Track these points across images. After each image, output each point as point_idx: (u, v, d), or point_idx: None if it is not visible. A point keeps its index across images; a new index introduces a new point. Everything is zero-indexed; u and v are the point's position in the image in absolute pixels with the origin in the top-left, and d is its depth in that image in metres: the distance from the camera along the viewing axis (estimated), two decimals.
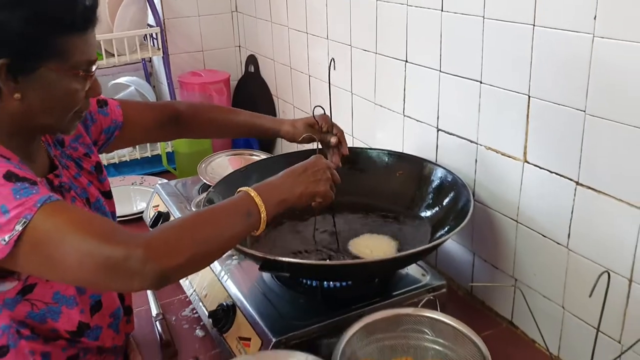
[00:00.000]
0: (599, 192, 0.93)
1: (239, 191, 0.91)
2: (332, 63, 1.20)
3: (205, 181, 1.48)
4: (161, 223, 1.42)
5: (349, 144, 1.57)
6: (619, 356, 0.91)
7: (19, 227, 0.75)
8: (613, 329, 0.96)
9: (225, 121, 1.28)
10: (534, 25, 0.98)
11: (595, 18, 0.87)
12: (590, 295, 0.83)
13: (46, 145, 1.01)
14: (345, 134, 1.31)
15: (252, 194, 0.89)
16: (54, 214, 0.77)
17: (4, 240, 0.75)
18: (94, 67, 0.90)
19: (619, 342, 0.96)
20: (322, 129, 1.21)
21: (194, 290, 1.22)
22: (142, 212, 1.59)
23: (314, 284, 1.09)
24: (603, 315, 0.91)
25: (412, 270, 1.15)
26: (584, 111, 0.92)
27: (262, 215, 0.89)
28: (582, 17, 0.89)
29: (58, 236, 0.77)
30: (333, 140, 1.19)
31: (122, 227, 0.82)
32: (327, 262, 1.08)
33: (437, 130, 1.26)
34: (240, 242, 0.94)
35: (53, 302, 0.94)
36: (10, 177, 0.79)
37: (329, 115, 1.22)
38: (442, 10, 1.16)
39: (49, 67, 0.85)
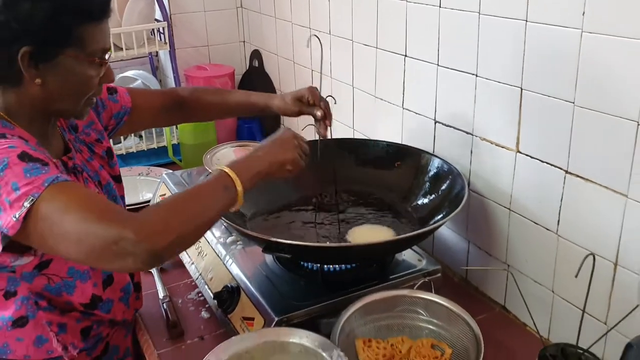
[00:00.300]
0: (587, 180, 0.98)
1: (217, 169, 0.97)
2: (310, 38, 1.25)
3: (210, 171, 1.53)
4: None
5: (351, 136, 1.63)
6: (604, 335, 0.96)
7: (26, 204, 0.80)
8: (599, 310, 1.01)
9: (223, 102, 1.34)
10: (526, 21, 1.02)
11: (583, 14, 0.92)
12: (576, 276, 0.88)
13: (61, 130, 1.07)
14: (346, 126, 1.36)
15: (227, 171, 0.95)
16: (59, 193, 0.82)
17: (15, 217, 0.80)
18: (107, 55, 0.96)
19: (605, 324, 1.01)
20: (309, 102, 1.25)
21: (200, 274, 1.27)
22: (148, 202, 1.64)
23: (314, 267, 1.14)
24: (590, 298, 0.96)
25: (409, 256, 1.20)
26: (573, 102, 0.97)
27: (238, 189, 0.94)
28: (571, 13, 0.93)
29: (60, 215, 0.81)
30: (318, 113, 1.23)
31: (121, 208, 0.89)
32: (327, 244, 1.13)
33: (435, 122, 1.31)
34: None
35: (68, 276, 1.00)
36: (23, 157, 0.84)
37: (319, 89, 1.25)
38: (439, 7, 1.21)
39: (68, 54, 0.91)
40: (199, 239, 0.94)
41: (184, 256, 1.35)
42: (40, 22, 0.87)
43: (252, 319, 1.07)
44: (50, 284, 0.99)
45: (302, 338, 0.90)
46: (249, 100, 1.33)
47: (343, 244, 1.14)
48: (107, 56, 0.96)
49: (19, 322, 0.99)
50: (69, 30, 0.90)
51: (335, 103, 1.27)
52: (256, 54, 2.12)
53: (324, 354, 0.86)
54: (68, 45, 0.90)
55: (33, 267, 0.96)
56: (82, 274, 1.02)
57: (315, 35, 1.31)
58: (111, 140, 1.86)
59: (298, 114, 1.27)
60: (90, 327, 1.07)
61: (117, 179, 1.16)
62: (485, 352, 0.96)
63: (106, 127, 1.20)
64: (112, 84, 1.13)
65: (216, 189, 0.93)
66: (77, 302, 1.03)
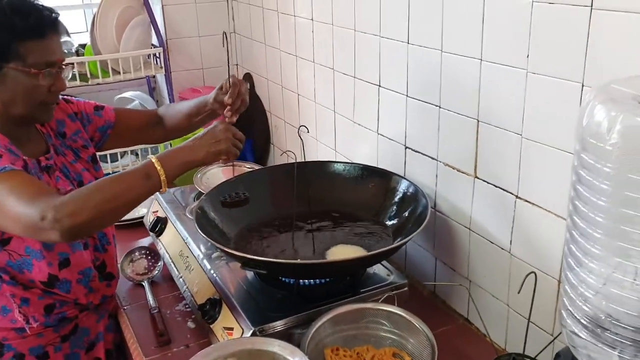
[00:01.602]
0: (533, 204, 1.09)
1: (146, 158, 1.14)
2: (224, 36, 1.37)
3: (200, 190, 1.64)
4: (159, 227, 1.58)
5: (333, 159, 1.74)
6: (548, 344, 1.06)
7: None
8: (546, 322, 1.11)
9: (182, 108, 1.47)
10: (481, 60, 1.13)
11: (527, 56, 1.03)
12: (518, 292, 0.99)
13: (46, 136, 1.25)
14: (329, 148, 1.46)
15: (153, 160, 1.11)
16: (5, 180, 1.02)
17: None
18: (57, 66, 1.15)
19: (551, 335, 1.11)
20: (225, 90, 1.34)
21: (187, 287, 1.37)
22: (143, 217, 1.75)
23: (291, 281, 1.24)
24: (539, 312, 1.07)
25: (379, 270, 1.30)
26: (521, 135, 1.08)
27: (161, 177, 1.10)
28: (518, 55, 1.04)
29: (4, 198, 1.01)
30: (226, 99, 1.31)
31: (53, 191, 1.09)
32: (298, 261, 1.23)
33: (405, 148, 1.41)
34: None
35: (26, 254, 1.17)
36: None
37: (234, 79, 1.34)
38: (408, 43, 1.32)
39: (10, 67, 1.09)
40: (117, 219, 1.14)
41: (173, 270, 1.45)
42: None
43: (232, 328, 1.17)
44: (12, 259, 1.17)
45: (274, 347, 0.99)
46: (198, 99, 1.44)
47: (312, 261, 1.25)
48: (61, 66, 1.15)
49: None
50: (8, 46, 1.08)
51: (307, 132, 1.37)
52: (248, 77, 2.24)
53: None
54: (9, 60, 1.09)
55: None
56: (37, 252, 1.18)
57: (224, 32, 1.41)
58: (109, 158, 2.01)
59: (222, 102, 1.34)
60: (53, 305, 1.23)
61: None
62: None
63: (92, 138, 1.37)
64: (100, 103, 1.36)
65: (137, 176, 1.09)
66: (37, 280, 1.19)
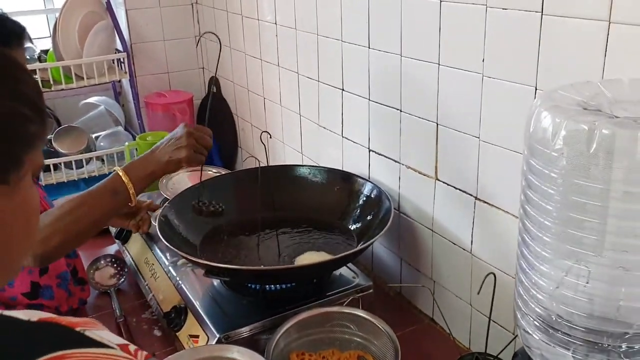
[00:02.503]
0: (492, 205, 1.11)
1: (113, 170, 1.10)
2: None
3: (165, 196, 1.63)
4: (124, 235, 1.56)
5: (299, 162, 1.74)
6: (509, 343, 1.08)
7: None
8: (508, 321, 1.13)
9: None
10: (438, 64, 1.15)
11: (483, 61, 1.05)
12: (478, 293, 1.01)
13: None
14: (296, 151, 1.47)
15: (121, 173, 1.08)
16: None
17: None
18: None
19: (513, 333, 1.13)
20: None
21: (152, 295, 1.36)
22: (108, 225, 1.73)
23: (256, 287, 1.24)
24: (500, 311, 1.09)
25: (345, 273, 1.31)
26: (478, 138, 1.10)
27: (130, 191, 1.08)
28: (474, 60, 1.06)
29: None
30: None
31: None
32: (261, 267, 1.23)
33: (369, 151, 1.43)
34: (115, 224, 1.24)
35: None
36: None
37: None
38: (369, 47, 1.33)
39: None
40: (88, 238, 1.09)
41: (139, 278, 1.44)
42: None
43: (197, 336, 1.16)
44: None
45: (234, 353, 0.99)
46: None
47: (276, 267, 1.25)
48: None
49: None
50: None
51: (270, 137, 1.38)
52: (214, 80, 2.23)
53: None
54: None
55: None
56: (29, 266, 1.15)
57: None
58: (74, 164, 1.97)
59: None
60: None
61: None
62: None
63: None
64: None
65: (105, 193, 1.07)
66: (19, 294, 1.16)
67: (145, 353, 0.51)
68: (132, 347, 0.50)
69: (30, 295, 1.19)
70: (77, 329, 0.48)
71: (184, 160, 1.16)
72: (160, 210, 1.32)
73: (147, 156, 1.16)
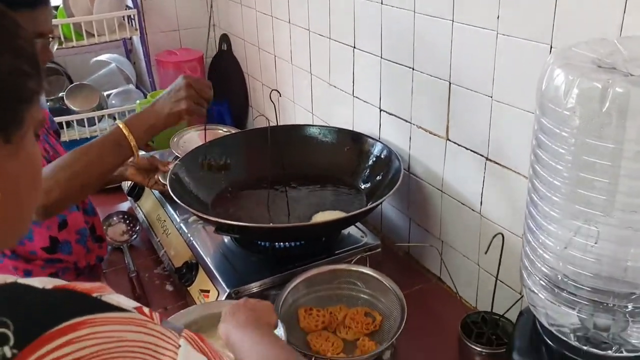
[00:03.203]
0: (503, 166, 1.10)
1: (113, 125, 1.10)
2: None
3: (176, 154, 1.63)
4: (137, 192, 1.58)
5: (310, 122, 1.74)
6: (515, 302, 1.09)
7: None
8: (515, 281, 1.14)
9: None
10: (452, 21, 1.12)
11: (498, 17, 1.02)
12: (485, 252, 1.01)
13: None
14: (306, 110, 1.45)
15: (122, 126, 1.07)
16: None
17: None
18: (46, 37, 1.07)
19: (519, 293, 1.14)
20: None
21: (164, 251, 1.38)
22: (120, 183, 1.74)
23: (266, 244, 1.26)
24: (507, 271, 1.09)
25: (354, 232, 1.32)
26: (491, 97, 1.08)
27: (132, 143, 1.07)
28: (488, 17, 1.04)
29: None
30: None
31: None
32: (270, 225, 1.24)
33: (380, 111, 1.41)
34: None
35: None
36: None
37: None
38: (381, 3, 1.31)
39: None
40: (90, 192, 1.11)
41: (151, 234, 1.46)
42: None
43: (208, 291, 1.18)
44: None
45: None
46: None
47: (285, 224, 1.26)
48: (48, 38, 1.06)
49: None
50: None
51: (280, 96, 1.37)
52: (225, 38, 2.20)
53: None
54: None
55: None
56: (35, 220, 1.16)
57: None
58: (86, 122, 1.99)
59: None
60: (55, 274, 1.23)
61: None
62: (415, 318, 1.08)
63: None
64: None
65: (107, 145, 1.06)
66: (38, 248, 1.17)
67: (158, 313, 0.52)
68: (146, 309, 0.51)
69: (49, 249, 1.21)
70: (94, 294, 0.48)
71: (184, 112, 1.14)
72: (171, 168, 1.33)
73: (147, 110, 1.14)
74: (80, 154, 1.06)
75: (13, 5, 1.04)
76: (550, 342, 0.78)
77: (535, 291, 0.79)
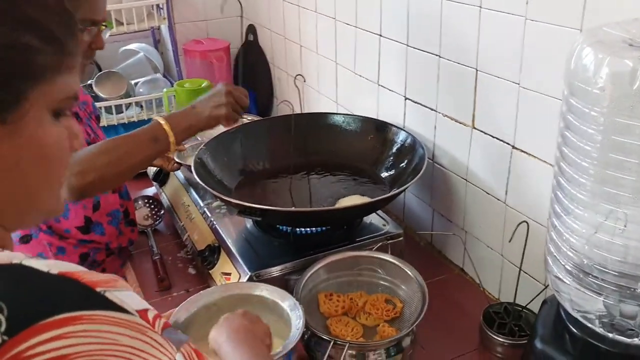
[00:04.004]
0: (529, 154, 1.08)
1: (153, 120, 1.12)
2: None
3: (199, 139, 1.64)
4: (162, 177, 1.60)
5: (334, 110, 1.73)
6: (539, 293, 1.07)
7: None
8: (539, 272, 1.12)
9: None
10: (480, 7, 1.11)
11: (527, 3, 1.01)
12: (509, 241, 1.00)
13: None
14: (331, 100, 1.46)
15: (162, 122, 1.10)
16: None
17: None
18: (99, 25, 1.10)
19: (543, 285, 1.12)
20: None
21: (188, 235, 1.39)
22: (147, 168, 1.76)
23: (287, 230, 1.26)
24: (531, 261, 1.08)
25: (375, 221, 1.31)
26: (518, 84, 1.07)
27: (170, 140, 1.10)
28: (517, 2, 1.02)
29: None
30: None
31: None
32: (292, 208, 1.24)
33: (405, 99, 1.40)
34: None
35: None
36: None
37: None
38: None
39: None
40: (124, 181, 1.14)
41: (175, 218, 1.48)
42: None
43: (230, 274, 1.19)
44: None
45: (262, 290, 1.01)
46: None
47: (306, 208, 1.26)
48: (101, 25, 1.10)
49: (24, 239, 1.19)
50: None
51: (304, 81, 1.37)
52: (251, 29, 2.21)
53: (281, 304, 0.98)
54: None
55: None
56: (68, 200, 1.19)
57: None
58: (114, 109, 2.02)
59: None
60: (87, 254, 1.26)
61: None
62: (436, 308, 1.08)
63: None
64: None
65: (145, 139, 1.09)
66: (72, 227, 1.20)
67: (164, 321, 0.49)
68: (151, 314, 0.48)
69: (83, 229, 1.23)
70: (98, 289, 0.46)
71: (223, 117, 1.18)
72: (186, 148, 1.36)
73: (187, 110, 1.18)
74: (119, 143, 1.09)
75: None
76: (574, 330, 0.77)
77: (560, 277, 0.78)
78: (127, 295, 0.48)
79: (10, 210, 0.53)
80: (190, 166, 1.36)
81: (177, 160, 1.44)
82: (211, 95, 1.19)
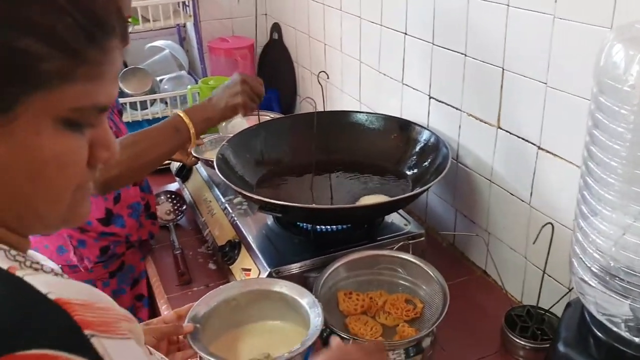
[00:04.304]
0: (555, 155, 1.06)
1: (173, 113, 1.16)
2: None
3: (218, 135, 1.65)
4: (184, 173, 1.61)
5: (357, 109, 1.72)
6: (563, 297, 1.05)
7: None
8: (563, 275, 1.10)
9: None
10: (508, 5, 1.09)
11: (556, 1, 0.99)
12: (534, 242, 0.98)
13: None
14: (354, 99, 1.45)
15: (182, 115, 1.13)
16: None
17: None
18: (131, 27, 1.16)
19: (567, 288, 1.10)
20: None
21: (209, 230, 1.40)
22: (170, 164, 1.78)
23: (308, 227, 1.26)
24: (556, 264, 1.06)
25: (397, 220, 1.30)
26: (546, 84, 1.05)
27: (191, 131, 1.14)
28: (545, 0, 1.00)
29: None
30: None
31: None
32: (313, 205, 1.24)
33: (429, 98, 1.39)
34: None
35: None
36: None
37: None
38: None
39: None
40: (147, 173, 1.17)
41: (197, 214, 1.49)
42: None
43: (249, 270, 1.19)
44: None
45: (282, 287, 1.01)
46: None
47: (326, 205, 1.26)
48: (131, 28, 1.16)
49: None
50: None
51: (327, 78, 1.36)
52: (276, 27, 2.22)
53: (300, 301, 0.98)
54: None
55: None
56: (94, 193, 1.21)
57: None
58: (139, 105, 2.04)
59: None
60: (107, 247, 1.28)
61: None
62: (458, 309, 1.06)
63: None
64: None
65: (167, 132, 1.12)
66: (94, 219, 1.22)
67: None
68: None
69: (104, 221, 1.25)
70: (86, 331, 0.43)
71: (240, 105, 1.21)
72: (205, 142, 1.41)
73: (205, 103, 1.21)
74: (142, 137, 1.12)
75: None
76: (598, 333, 0.75)
77: (586, 279, 0.76)
78: (120, 345, 0.44)
79: (10, 214, 0.49)
80: (208, 160, 1.37)
81: (194, 154, 1.45)
82: (227, 85, 1.22)
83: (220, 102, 1.19)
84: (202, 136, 1.43)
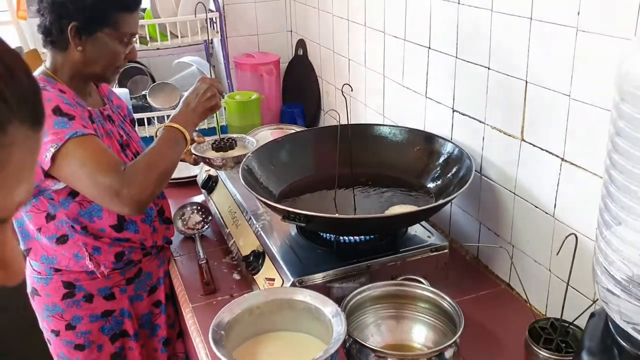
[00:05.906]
0: (579, 167, 1.06)
1: (165, 127, 1.28)
2: None
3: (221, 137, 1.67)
4: (210, 185, 1.64)
5: (380, 122, 1.74)
6: (586, 309, 1.04)
7: (52, 150, 1.10)
8: (587, 288, 1.09)
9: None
10: (531, 19, 1.10)
11: (578, 14, 1.00)
12: (557, 254, 0.98)
13: (101, 95, 1.39)
14: (377, 112, 1.47)
15: (178, 127, 1.26)
16: (77, 147, 1.12)
17: (46, 157, 1.11)
18: (135, 38, 1.29)
19: (593, 300, 1.09)
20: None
21: (233, 241, 1.42)
22: (196, 176, 1.81)
23: (331, 238, 1.27)
24: (580, 277, 1.05)
25: (420, 232, 1.31)
26: (569, 96, 1.05)
27: (187, 139, 1.27)
28: (568, 13, 1.01)
29: (78, 167, 1.13)
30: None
31: (120, 162, 1.17)
32: (336, 215, 1.25)
33: (453, 111, 1.40)
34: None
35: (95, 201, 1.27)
36: (55, 111, 1.15)
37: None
38: (458, 3, 1.30)
39: (105, 32, 1.22)
40: (167, 184, 1.27)
41: (222, 225, 1.51)
42: (88, 6, 1.18)
43: (273, 279, 1.21)
44: (82, 209, 1.27)
45: (306, 296, 1.02)
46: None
47: (350, 215, 1.27)
48: (134, 39, 1.29)
49: (61, 240, 1.29)
50: (109, 15, 1.21)
51: (352, 90, 1.38)
52: (301, 43, 2.25)
53: (323, 309, 0.99)
54: (106, 26, 1.22)
55: (67, 194, 1.25)
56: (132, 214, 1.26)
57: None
58: (166, 119, 2.08)
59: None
60: (122, 253, 1.33)
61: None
62: (481, 321, 1.05)
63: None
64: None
65: (173, 144, 1.24)
66: (107, 225, 1.29)
67: None
68: None
69: (116, 227, 1.30)
70: None
71: (216, 106, 1.35)
72: (206, 141, 1.50)
73: (184, 110, 1.32)
74: (158, 157, 1.21)
75: (121, 7, 1.20)
76: (623, 343, 0.75)
77: (609, 288, 0.76)
78: None
79: None
80: (208, 159, 1.46)
81: (195, 153, 1.49)
82: (197, 92, 1.33)
83: (198, 108, 1.32)
84: (206, 138, 1.55)
